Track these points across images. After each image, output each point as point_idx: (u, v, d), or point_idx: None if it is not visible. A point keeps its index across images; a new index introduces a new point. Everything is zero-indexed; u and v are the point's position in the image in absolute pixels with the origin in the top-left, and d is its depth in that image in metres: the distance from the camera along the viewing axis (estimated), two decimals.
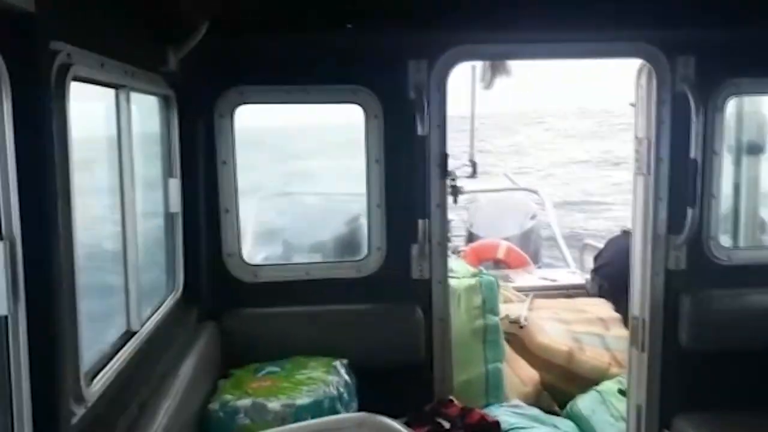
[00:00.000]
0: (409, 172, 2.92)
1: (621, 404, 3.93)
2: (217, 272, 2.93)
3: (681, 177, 2.96)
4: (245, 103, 2.89)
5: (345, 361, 2.79)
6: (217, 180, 2.90)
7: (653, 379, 3.11)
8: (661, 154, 2.97)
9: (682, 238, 2.97)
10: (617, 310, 5.40)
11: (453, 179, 4.84)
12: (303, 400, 2.35)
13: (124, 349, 2.02)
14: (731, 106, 3.02)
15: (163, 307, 2.50)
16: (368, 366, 2.88)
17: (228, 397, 2.40)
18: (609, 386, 4.12)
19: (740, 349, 3.00)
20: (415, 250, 2.98)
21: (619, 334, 4.95)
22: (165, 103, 2.57)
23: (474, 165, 6.20)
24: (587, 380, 4.34)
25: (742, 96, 3.00)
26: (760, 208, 3.48)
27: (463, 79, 5.96)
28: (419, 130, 2.81)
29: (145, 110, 2.48)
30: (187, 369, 2.35)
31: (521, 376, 4.24)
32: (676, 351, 3.06)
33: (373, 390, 2.82)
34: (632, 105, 3.13)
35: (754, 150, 3.45)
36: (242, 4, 2.61)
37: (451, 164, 5.26)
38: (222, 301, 2.92)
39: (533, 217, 7.75)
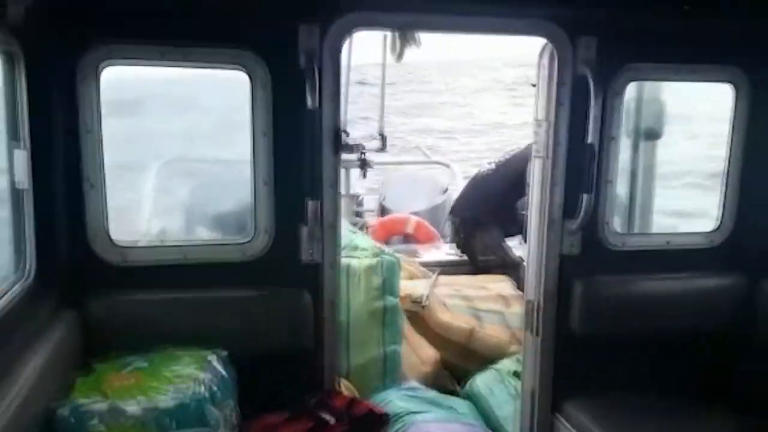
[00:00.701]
0: (300, 148, 2.70)
1: (519, 383, 3.95)
2: (79, 255, 2.63)
3: (578, 161, 2.89)
4: (111, 63, 2.56)
5: (224, 354, 2.58)
6: (81, 151, 2.57)
7: (546, 364, 3.09)
8: (560, 137, 2.89)
9: (576, 224, 2.92)
10: (464, 251, 5.55)
11: (362, 153, 4.64)
12: (166, 402, 2.11)
13: None
14: (630, 91, 2.96)
15: (8, 295, 2.20)
16: (251, 356, 2.68)
17: (81, 399, 2.13)
18: (507, 364, 4.13)
19: (631, 335, 3.02)
20: (304, 232, 2.78)
21: (518, 311, 4.98)
22: (8, 60, 2.21)
23: (383, 138, 6.02)
24: (487, 358, 4.34)
25: (642, 81, 2.95)
26: (654, 194, 3.50)
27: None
28: (309, 103, 2.58)
29: None
30: (35, 364, 2.07)
31: (421, 356, 4.17)
32: (568, 336, 3.04)
33: (256, 382, 2.63)
34: (534, 86, 3.02)
35: (651, 136, 3.45)
36: None
37: (359, 136, 5.03)
38: (86, 287, 2.63)
39: (445, 191, 7.70)
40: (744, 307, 3.04)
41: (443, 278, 5.25)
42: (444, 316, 4.51)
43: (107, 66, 2.55)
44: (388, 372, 3.78)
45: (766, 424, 2.71)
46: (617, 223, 3.07)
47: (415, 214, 7.14)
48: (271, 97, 2.70)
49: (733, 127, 3.02)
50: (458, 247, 5.77)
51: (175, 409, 2.10)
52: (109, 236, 2.69)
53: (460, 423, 3.43)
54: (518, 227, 5.26)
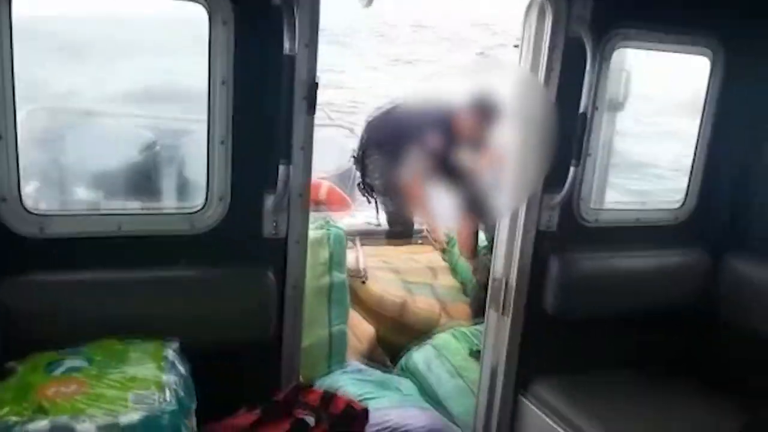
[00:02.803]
0: (268, 102, 2.27)
1: (456, 358, 3.81)
2: None
3: (562, 132, 2.70)
4: None
5: (175, 345, 2.14)
6: None
7: (513, 343, 2.94)
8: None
9: (558, 198, 2.75)
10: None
11: None
12: (130, 416, 1.65)
13: None
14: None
15: None
16: (204, 348, 2.24)
17: (11, 416, 1.63)
18: (443, 339, 3.99)
19: (601, 312, 2.94)
20: (270, 201, 2.37)
21: (446, 283, 4.85)
22: None
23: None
24: (419, 332, 4.16)
25: (628, 47, 2.80)
26: (611, 168, 3.42)
27: None
28: (287, 48, 2.15)
29: None
30: None
31: (357, 333, 3.91)
32: (538, 314, 2.90)
33: (211, 377, 2.21)
34: (516, 47, 2.78)
35: (614, 107, 3.35)
36: None
37: None
38: None
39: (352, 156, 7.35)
40: (708, 283, 3.05)
41: (366, 249, 4.99)
42: (377, 290, 4.27)
43: None
44: (334, 353, 3.48)
45: (734, 399, 2.74)
46: (592, 198, 2.94)
47: (323, 179, 6.75)
48: (233, 38, 2.23)
49: (705, 101, 2.98)
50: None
51: (143, 425, 1.65)
52: (21, 201, 2.12)
53: (416, 407, 3.23)
54: None
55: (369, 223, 5.68)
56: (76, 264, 2.19)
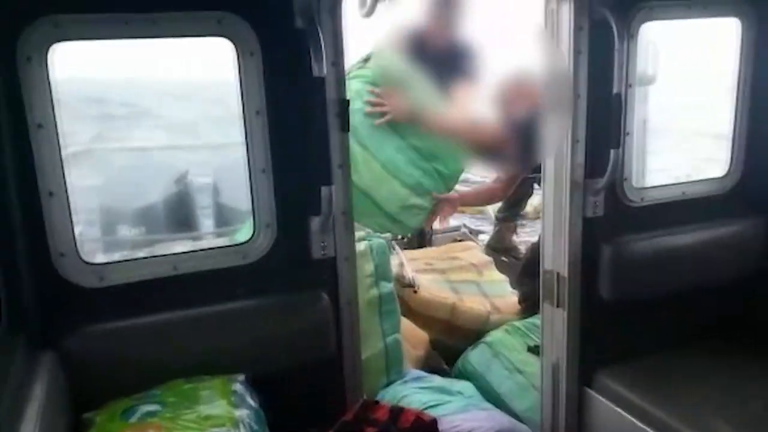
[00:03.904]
0: (302, 126, 2.28)
1: (514, 355, 3.77)
2: (45, 281, 2.10)
3: (597, 115, 2.66)
4: (63, 39, 2.01)
5: (241, 378, 2.16)
6: (32, 151, 2.02)
7: (572, 336, 2.89)
8: (579, 89, 2.64)
9: (602, 183, 2.70)
10: None
11: None
12: None
13: None
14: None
15: None
16: (269, 375, 2.28)
17: None
18: (497, 337, 3.95)
19: (657, 294, 2.88)
20: (315, 223, 2.38)
21: (492, 278, 4.82)
22: None
23: None
24: (470, 331, 4.14)
25: (654, 21, 2.74)
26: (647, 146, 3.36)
27: None
28: (315, 70, 2.16)
29: None
30: (26, 427, 1.59)
31: (411, 341, 3.89)
32: (594, 304, 2.85)
33: (278, 404, 2.24)
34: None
35: (646, 82, 3.29)
36: None
37: None
38: (60, 320, 2.11)
39: None
40: (764, 250, 2.97)
41: (408, 252, 4.99)
42: (425, 294, 4.25)
43: (57, 42, 2.00)
44: (391, 364, 3.46)
45: None
46: (635, 178, 2.89)
47: None
48: (262, 67, 2.25)
49: (740, 64, 2.90)
50: None
51: None
52: (78, 254, 2.17)
53: (479, 409, 3.20)
54: None
55: None
56: (138, 309, 2.22)
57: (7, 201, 1.95)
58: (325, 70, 2.20)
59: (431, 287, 4.37)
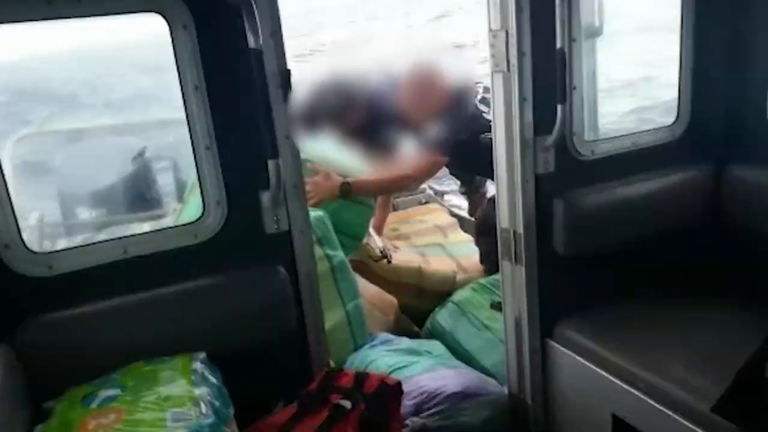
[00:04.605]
0: (244, 100, 2.25)
1: (480, 312, 3.84)
2: None
3: (543, 72, 2.67)
4: None
5: (202, 356, 2.17)
6: None
7: (531, 290, 2.95)
8: (524, 47, 2.63)
9: (551, 139, 2.73)
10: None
11: None
12: None
13: None
14: None
15: None
16: (230, 353, 2.28)
17: None
18: (464, 296, 4.01)
19: (612, 245, 2.93)
20: (266, 198, 2.37)
21: (457, 239, 4.87)
22: None
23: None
24: (438, 293, 4.20)
25: None
26: (598, 98, 3.38)
27: None
28: (251, 42, 2.12)
29: None
30: None
31: (381, 307, 3.94)
32: (551, 258, 2.90)
33: (242, 381, 2.25)
34: None
35: (592, 34, 3.29)
36: None
37: None
38: (10, 313, 2.08)
39: None
40: (716, 195, 3.03)
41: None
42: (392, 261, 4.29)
43: None
44: (356, 330, 3.51)
45: (760, 304, 2.74)
46: (585, 131, 2.92)
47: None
48: (197, 41, 2.20)
49: (682, 9, 2.92)
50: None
51: None
52: (24, 244, 2.13)
53: (447, 367, 3.27)
54: None
55: None
56: (91, 295, 2.21)
57: None
58: (261, 41, 2.16)
59: (398, 254, 4.40)
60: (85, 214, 4.61)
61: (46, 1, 1.99)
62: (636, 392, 2.54)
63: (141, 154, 4.62)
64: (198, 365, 2.06)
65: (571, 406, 2.97)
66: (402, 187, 4.80)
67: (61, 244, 4.13)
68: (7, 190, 2.07)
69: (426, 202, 5.77)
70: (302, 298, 2.53)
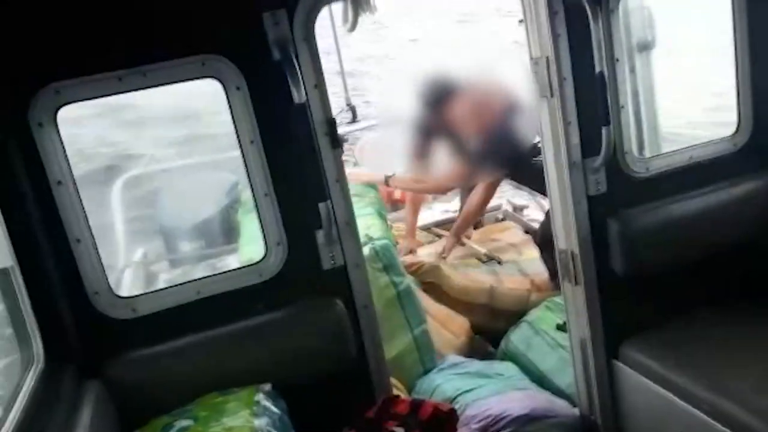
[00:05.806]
0: (296, 148, 2.44)
1: (554, 330, 3.82)
2: (85, 319, 2.36)
3: (587, 94, 2.69)
4: (66, 102, 2.24)
5: (268, 388, 2.36)
6: (57, 207, 2.28)
7: (593, 311, 2.94)
8: (564, 72, 2.67)
9: (599, 160, 2.73)
10: None
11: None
12: None
13: None
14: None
15: (24, 388, 1.94)
16: (296, 383, 2.47)
17: None
18: (538, 315, 4.00)
19: (672, 262, 2.88)
20: (320, 236, 2.55)
21: (531, 256, 4.85)
22: None
23: (353, 109, 5.74)
24: (512, 312, 4.20)
25: None
26: (658, 111, 3.33)
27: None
28: (296, 97, 2.31)
29: None
30: None
31: (452, 329, 4.01)
32: (610, 278, 2.89)
33: (307, 409, 2.43)
34: (521, 22, 2.79)
35: (644, 48, 3.26)
36: None
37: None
38: (101, 352, 2.37)
39: None
40: None
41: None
42: (461, 280, 4.36)
43: (62, 105, 2.25)
44: (423, 354, 3.61)
45: None
46: (636, 149, 2.89)
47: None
48: (250, 100, 2.42)
49: (734, 18, 2.84)
50: None
51: None
52: (111, 290, 2.43)
53: (515, 389, 3.30)
54: None
55: (446, 211, 5.79)
56: (169, 333, 2.46)
57: (40, 257, 2.21)
58: (305, 95, 2.35)
59: (468, 272, 4.46)
60: (186, 247, 4.97)
61: (118, 78, 2.28)
62: (701, 414, 2.49)
63: (234, 186, 4.95)
64: (261, 396, 2.25)
65: (642, 427, 2.93)
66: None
67: (164, 277, 4.49)
68: (95, 245, 2.36)
69: (503, 219, 5.78)
70: (362, 329, 2.68)
